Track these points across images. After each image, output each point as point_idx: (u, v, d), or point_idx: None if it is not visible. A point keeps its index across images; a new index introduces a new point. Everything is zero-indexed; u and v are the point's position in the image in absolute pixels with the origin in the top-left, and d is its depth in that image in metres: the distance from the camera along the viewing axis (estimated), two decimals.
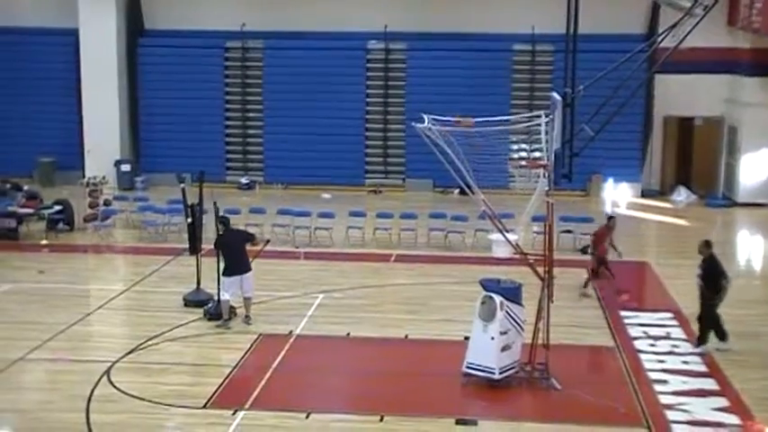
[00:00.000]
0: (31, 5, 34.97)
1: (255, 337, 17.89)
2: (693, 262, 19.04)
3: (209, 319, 18.58)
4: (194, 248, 20.44)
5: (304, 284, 21.65)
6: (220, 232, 19.07)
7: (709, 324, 17.13)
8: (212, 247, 19.41)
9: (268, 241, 20.54)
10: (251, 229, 24.21)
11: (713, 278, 17.00)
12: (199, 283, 19.69)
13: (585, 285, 21.06)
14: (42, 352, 17.19)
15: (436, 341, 17.82)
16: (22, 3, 35.10)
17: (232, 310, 18.61)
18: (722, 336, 17.14)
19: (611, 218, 21.52)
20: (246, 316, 18.67)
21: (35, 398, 15.20)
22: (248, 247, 19.06)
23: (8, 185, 28.19)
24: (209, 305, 18.89)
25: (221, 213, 19.59)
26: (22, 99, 34.76)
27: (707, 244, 17.35)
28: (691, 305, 17.79)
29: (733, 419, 14.31)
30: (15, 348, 17.14)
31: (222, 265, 18.62)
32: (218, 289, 18.43)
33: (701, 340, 17.24)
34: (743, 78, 31.64)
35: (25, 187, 28.59)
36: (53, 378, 16.08)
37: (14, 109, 35.01)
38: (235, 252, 18.65)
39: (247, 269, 18.69)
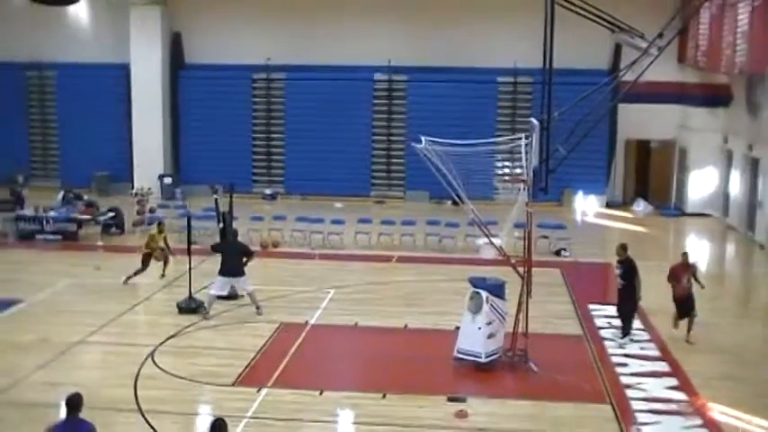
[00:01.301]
0: (92, 45, 34.98)
1: (276, 325, 17.88)
2: (651, 263, 19.07)
3: (180, 312, 18.54)
4: (213, 248, 20.41)
5: (318, 281, 21.61)
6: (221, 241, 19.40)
7: (630, 315, 17.12)
8: (210, 248, 19.57)
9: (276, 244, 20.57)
10: (273, 233, 24.27)
11: (630, 276, 16.95)
12: None
13: (675, 326, 17.43)
14: (98, 336, 17.25)
15: (431, 330, 17.80)
16: (85, 43, 35.11)
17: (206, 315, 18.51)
18: (627, 331, 17.16)
19: (685, 254, 17.86)
20: (257, 307, 18.61)
21: (92, 375, 15.21)
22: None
23: (71, 195, 28.24)
24: (181, 300, 18.88)
25: (234, 227, 19.98)
26: (83, 123, 34.84)
27: (623, 247, 17.35)
28: (647, 299, 17.69)
29: (681, 396, 14.39)
30: (75, 333, 17.22)
31: (220, 267, 18.67)
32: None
33: (625, 332, 17.18)
34: (691, 108, 31.72)
35: (84, 197, 28.64)
36: (106, 358, 16.16)
37: (76, 131, 35.14)
38: (230, 259, 18.63)
39: (239, 274, 18.67)
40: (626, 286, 17.02)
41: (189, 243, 19.75)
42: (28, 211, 26.72)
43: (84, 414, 13.31)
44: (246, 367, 15.52)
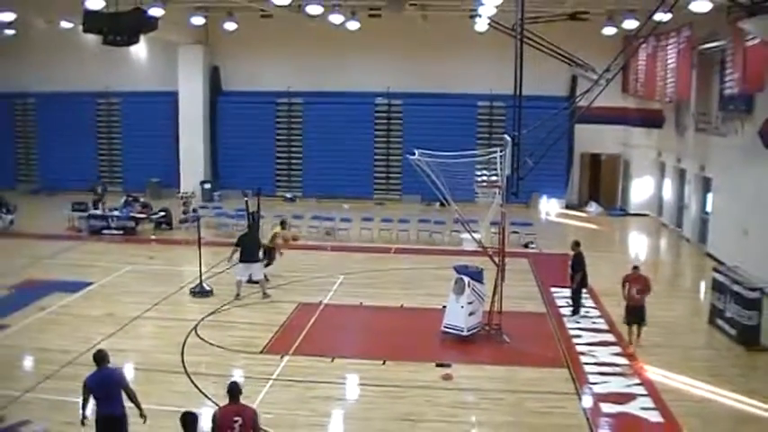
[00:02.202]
0: (148, 77, 34.84)
1: (295, 305, 17.86)
2: (601, 253, 19.11)
3: (193, 295, 18.48)
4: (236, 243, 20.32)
5: (330, 268, 21.56)
6: (242, 233, 19.36)
7: (578, 296, 17.22)
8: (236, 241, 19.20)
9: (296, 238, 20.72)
10: (293, 230, 24.24)
11: (579, 267, 17.08)
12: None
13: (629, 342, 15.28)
14: (152, 312, 17.29)
15: (423, 309, 17.76)
16: (142, 75, 35.00)
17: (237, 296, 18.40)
18: (577, 310, 17.26)
19: (636, 267, 15.77)
20: (264, 294, 18.49)
21: (147, 343, 15.24)
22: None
23: (130, 198, 28.20)
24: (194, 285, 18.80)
25: (254, 215, 19.88)
26: (141, 140, 34.75)
27: (577, 243, 17.37)
28: (598, 284, 17.70)
29: (624, 361, 14.46)
30: (134, 310, 17.27)
31: (240, 255, 18.55)
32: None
33: (575, 311, 17.27)
34: (632, 128, 31.66)
35: (141, 199, 28.57)
36: (159, 330, 16.14)
37: (135, 147, 35.07)
38: (248, 249, 18.54)
39: (255, 260, 18.60)
40: (574, 275, 17.09)
41: (199, 237, 19.73)
42: (97, 211, 26.73)
43: (141, 375, 13.45)
44: (271, 339, 15.54)
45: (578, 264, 17.09)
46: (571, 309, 17.35)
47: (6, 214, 26.40)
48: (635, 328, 15.20)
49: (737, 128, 21.22)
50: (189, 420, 8.58)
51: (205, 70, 34.33)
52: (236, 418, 8.55)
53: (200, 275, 18.83)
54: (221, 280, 19.75)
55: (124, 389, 9.61)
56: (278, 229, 20.54)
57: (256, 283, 18.73)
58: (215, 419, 8.71)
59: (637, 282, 15.33)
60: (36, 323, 16.28)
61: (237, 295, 18.31)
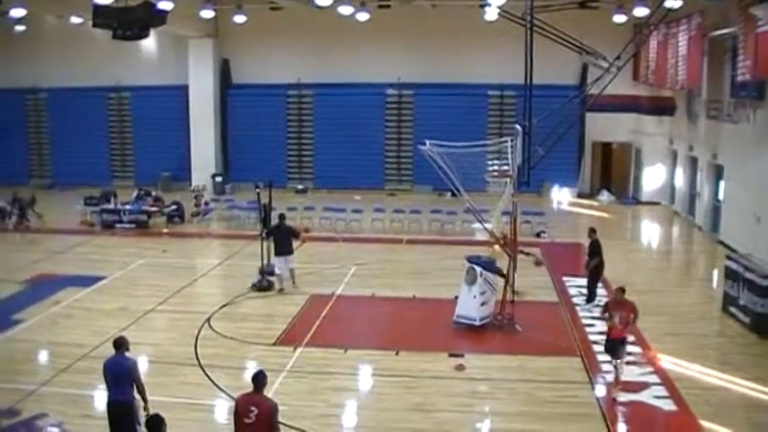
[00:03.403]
0: (158, 71, 34.90)
1: (308, 296, 17.88)
2: (614, 242, 19.01)
3: (258, 290, 18.30)
4: (266, 234, 20.40)
5: (342, 259, 21.57)
6: (274, 225, 19.06)
7: (593, 284, 17.10)
8: (265, 234, 19.18)
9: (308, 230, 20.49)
10: (305, 222, 24.26)
11: (596, 254, 17.01)
12: (268, 258, 19.67)
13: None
14: (165, 305, 17.33)
15: (435, 299, 17.73)
16: (153, 69, 35.04)
17: (281, 290, 18.37)
18: (591, 298, 17.16)
19: (619, 288, 12.86)
20: (293, 282, 18.52)
21: (161, 336, 15.28)
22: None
23: (142, 192, 28.28)
24: (257, 280, 18.59)
25: (281, 212, 19.66)
26: (152, 134, 34.96)
27: (593, 230, 17.33)
28: (610, 273, 17.63)
29: (637, 349, 14.35)
30: (148, 302, 17.32)
31: (274, 248, 18.54)
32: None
33: (590, 299, 17.20)
34: (644, 116, 31.54)
35: (153, 193, 28.63)
36: (172, 323, 16.18)
37: (146, 140, 35.24)
38: (282, 240, 18.45)
39: (290, 252, 18.49)
40: (590, 261, 17.02)
41: (265, 226, 19.58)
42: (110, 205, 26.82)
43: (155, 367, 13.49)
44: (284, 330, 15.56)
45: (594, 251, 17.05)
46: (585, 297, 17.29)
47: (20, 210, 26.36)
48: (615, 362, 12.30)
49: (749, 115, 21.07)
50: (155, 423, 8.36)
51: (215, 63, 34.36)
52: (252, 408, 8.48)
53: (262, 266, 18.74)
54: (237, 271, 19.77)
55: (134, 379, 9.65)
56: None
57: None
58: (237, 405, 8.69)
59: (620, 308, 12.41)
60: (50, 317, 16.37)
61: (281, 289, 18.28)
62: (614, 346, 12.34)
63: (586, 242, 17.85)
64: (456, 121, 30.27)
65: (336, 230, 25.36)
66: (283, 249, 18.37)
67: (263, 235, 19.07)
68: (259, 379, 8.73)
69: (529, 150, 15.50)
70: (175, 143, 34.53)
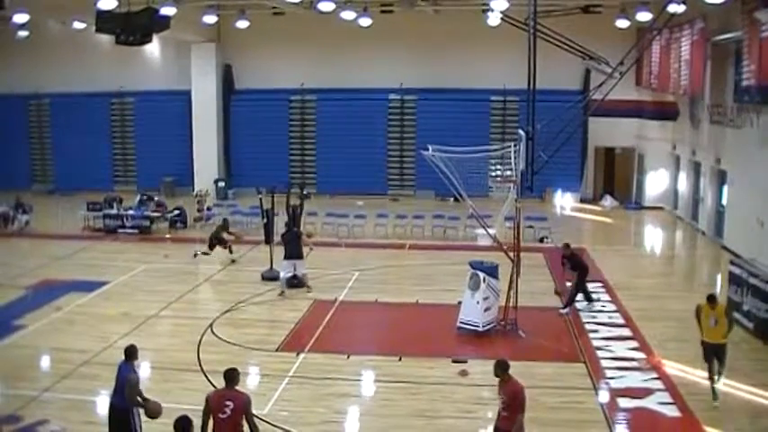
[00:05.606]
0: (161, 76, 35.01)
1: (311, 302, 17.87)
2: (617, 247, 18.95)
3: (263, 279, 18.94)
4: (268, 240, 20.47)
5: (345, 265, 21.55)
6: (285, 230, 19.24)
7: (574, 293, 17.08)
8: (280, 238, 19.35)
9: (310, 235, 21.27)
10: (308, 227, 24.25)
11: (578, 266, 17.17)
12: (272, 263, 19.69)
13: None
14: (167, 311, 17.33)
15: (438, 305, 17.69)
16: (156, 74, 35.18)
17: (282, 293, 18.43)
18: (590, 299, 17.26)
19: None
20: (306, 287, 18.60)
21: (163, 341, 15.27)
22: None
23: (144, 197, 28.28)
24: (266, 269, 19.30)
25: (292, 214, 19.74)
26: (154, 139, 34.92)
27: (567, 246, 17.46)
28: (613, 278, 17.60)
29: (641, 355, 14.36)
30: (150, 308, 17.31)
31: (283, 252, 18.66)
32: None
33: (589, 299, 17.28)
34: (646, 121, 31.51)
35: (155, 198, 28.67)
36: (175, 329, 16.19)
37: (149, 146, 35.19)
38: (291, 245, 18.62)
39: (299, 257, 18.60)
40: (580, 274, 17.19)
41: (267, 232, 19.95)
42: (112, 210, 26.83)
43: (157, 373, 13.47)
44: (287, 336, 15.54)
45: (576, 263, 17.15)
46: (585, 301, 17.26)
47: (23, 215, 26.54)
48: None
49: (753, 119, 21.04)
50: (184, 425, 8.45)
51: (218, 69, 34.39)
52: (227, 402, 8.62)
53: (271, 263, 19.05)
54: (240, 277, 19.77)
55: (127, 392, 9.68)
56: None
57: (299, 284, 18.71)
58: (207, 401, 8.75)
59: (503, 390, 9.76)
60: (52, 323, 16.36)
61: (282, 293, 18.33)
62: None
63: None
64: (459, 126, 30.26)
65: (339, 236, 25.34)
66: (293, 253, 18.47)
67: (276, 239, 19.37)
68: (232, 375, 8.91)
69: (532, 155, 15.47)
70: (178, 148, 34.53)
